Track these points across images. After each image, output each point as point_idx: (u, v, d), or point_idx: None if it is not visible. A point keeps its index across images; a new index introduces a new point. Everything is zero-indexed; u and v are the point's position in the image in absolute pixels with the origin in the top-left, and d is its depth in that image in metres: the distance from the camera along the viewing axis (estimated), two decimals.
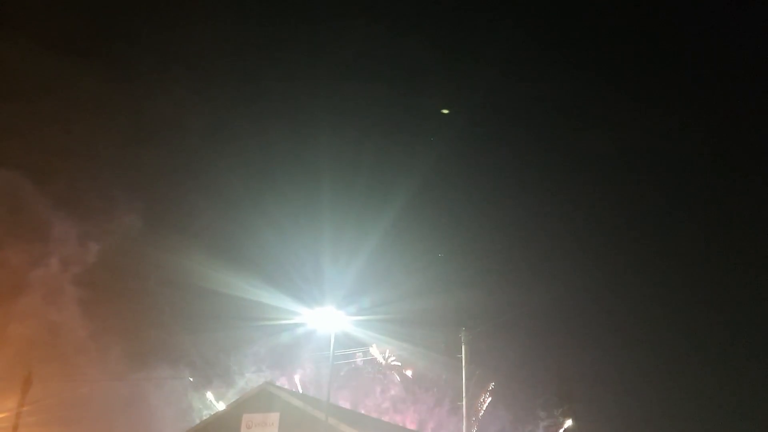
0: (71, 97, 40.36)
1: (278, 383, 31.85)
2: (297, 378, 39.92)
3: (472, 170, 60.64)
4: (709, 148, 58.75)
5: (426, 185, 51.28)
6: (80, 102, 40.56)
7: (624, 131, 59.90)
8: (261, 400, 23.81)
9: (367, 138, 55.15)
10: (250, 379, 36.65)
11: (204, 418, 30.08)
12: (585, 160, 61.57)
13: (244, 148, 50.36)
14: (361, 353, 38.66)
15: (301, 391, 37.44)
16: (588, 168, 62.16)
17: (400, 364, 41.45)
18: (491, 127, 62.69)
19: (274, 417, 23.08)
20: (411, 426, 38.71)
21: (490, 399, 40.43)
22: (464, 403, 26.30)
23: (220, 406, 34.89)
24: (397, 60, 58.35)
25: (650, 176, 57.57)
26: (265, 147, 53.32)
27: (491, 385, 40.20)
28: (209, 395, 37.45)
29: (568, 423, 41.25)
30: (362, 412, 37.35)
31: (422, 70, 59.61)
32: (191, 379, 36.28)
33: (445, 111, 48.53)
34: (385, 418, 37.61)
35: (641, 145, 58.48)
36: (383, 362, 41.08)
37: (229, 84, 55.60)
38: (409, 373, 41.49)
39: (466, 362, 26.65)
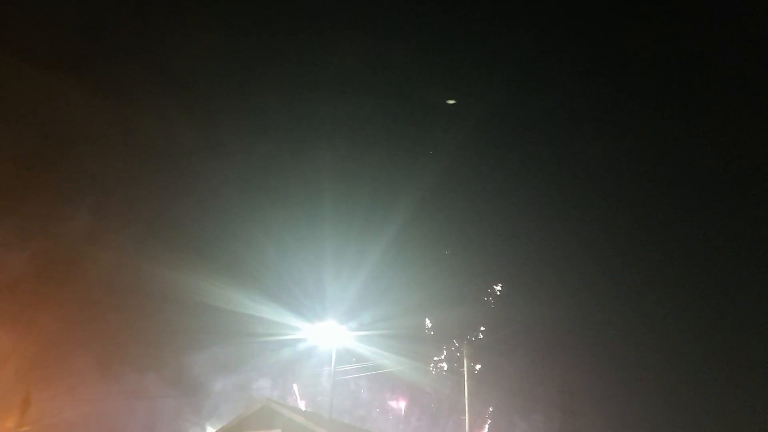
0: (61, 112, 40.41)
1: (279, 399, 31.59)
2: (296, 391, 39.69)
3: (474, 184, 60.63)
4: (719, 156, 58.67)
5: (428, 199, 51.22)
6: (70, 116, 40.63)
7: (633, 141, 59.85)
8: (262, 417, 23.62)
9: (367, 152, 55.21)
10: (251, 396, 36.37)
11: None
12: (589, 174, 61.56)
13: (243, 161, 50.40)
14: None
15: (303, 407, 37.12)
16: (593, 183, 62.09)
17: None
18: (492, 140, 62.73)
19: None
20: None
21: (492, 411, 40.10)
22: (467, 417, 26.08)
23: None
24: (395, 69, 58.62)
25: (660, 189, 57.29)
26: (263, 161, 53.35)
27: (490, 409, 39.84)
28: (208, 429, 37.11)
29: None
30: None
31: (422, 80, 59.82)
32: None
33: (451, 101, 48.28)
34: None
35: (651, 155, 58.33)
36: None
37: (223, 98, 55.83)
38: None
39: (468, 376, 26.51)
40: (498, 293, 43.28)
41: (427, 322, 42.77)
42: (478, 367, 27.70)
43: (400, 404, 41.19)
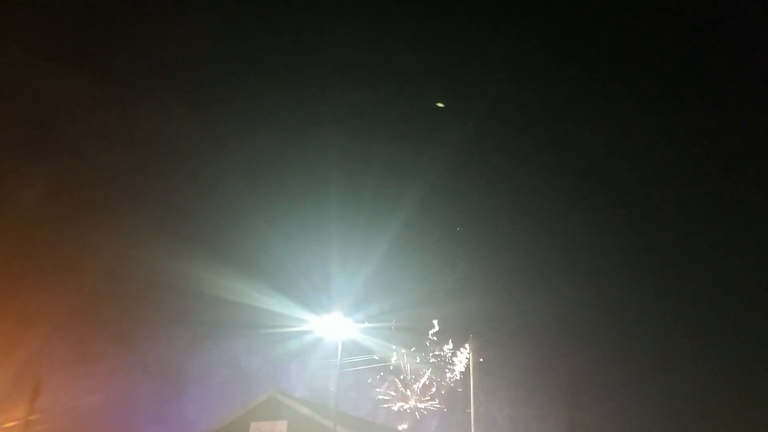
0: (64, 105, 40.56)
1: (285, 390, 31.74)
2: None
3: (481, 175, 60.36)
4: (719, 149, 58.23)
5: (435, 191, 51.06)
6: (73, 109, 40.76)
7: (636, 134, 59.47)
8: (268, 407, 23.78)
9: (374, 142, 55.06)
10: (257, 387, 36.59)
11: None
12: (596, 164, 61.16)
13: (248, 154, 50.37)
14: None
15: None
16: (599, 173, 61.71)
17: None
18: (501, 130, 62.33)
19: (282, 425, 23.08)
20: None
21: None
22: (472, 411, 26.11)
23: None
24: (400, 62, 58.26)
25: (663, 181, 56.92)
26: (269, 154, 53.31)
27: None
28: None
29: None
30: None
31: (427, 73, 59.47)
32: None
33: (440, 105, 48.16)
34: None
35: (654, 148, 57.95)
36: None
37: (226, 92, 55.77)
38: None
39: (474, 370, 26.49)
40: (505, 286, 43.22)
41: (434, 313, 42.82)
42: (484, 359, 27.58)
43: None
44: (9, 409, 29.21)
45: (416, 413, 40.64)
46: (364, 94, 56.60)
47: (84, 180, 40.10)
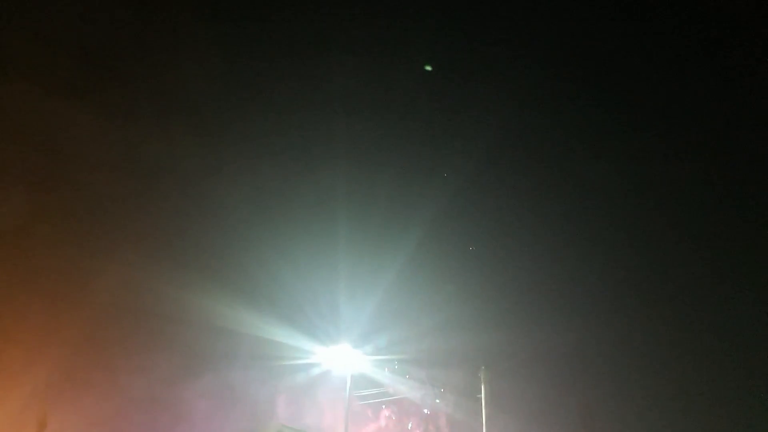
0: (68, 135, 41.04)
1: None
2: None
3: (492, 205, 60.07)
4: (731, 179, 57.81)
5: (443, 221, 50.93)
6: (77, 139, 41.22)
7: (649, 164, 59.16)
8: None
9: (380, 172, 55.19)
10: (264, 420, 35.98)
11: None
12: (608, 194, 60.74)
13: (253, 182, 50.54)
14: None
15: None
16: (612, 204, 61.23)
17: None
18: (509, 159, 62.33)
19: None
20: None
21: None
22: None
23: None
24: (405, 89, 58.70)
25: (686, 216, 56.38)
26: (275, 181, 53.44)
27: None
28: None
29: None
30: None
31: (431, 100, 59.83)
32: None
33: (428, 68, 47.45)
34: None
35: (668, 179, 57.56)
36: None
37: (230, 120, 56.32)
38: None
39: (485, 402, 25.98)
40: (516, 317, 42.66)
41: (445, 345, 42.22)
42: (495, 392, 27.11)
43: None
44: None
45: None
46: (371, 122, 56.90)
47: (87, 210, 40.24)
